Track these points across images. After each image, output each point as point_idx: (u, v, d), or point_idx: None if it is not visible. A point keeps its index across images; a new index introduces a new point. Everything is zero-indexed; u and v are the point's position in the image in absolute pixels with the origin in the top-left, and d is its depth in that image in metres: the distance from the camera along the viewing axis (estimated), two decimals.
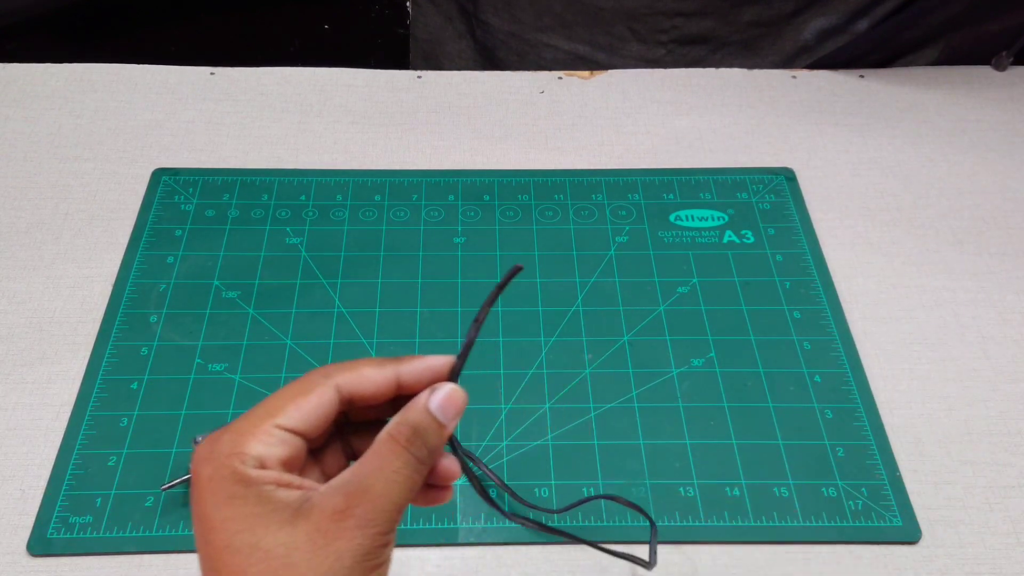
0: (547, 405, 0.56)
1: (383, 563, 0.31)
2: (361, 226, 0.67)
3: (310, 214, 0.67)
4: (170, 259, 0.64)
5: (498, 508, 0.39)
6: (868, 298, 0.63)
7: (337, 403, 0.34)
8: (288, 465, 0.32)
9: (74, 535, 0.50)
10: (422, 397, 0.34)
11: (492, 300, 0.35)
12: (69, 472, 0.52)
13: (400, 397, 0.35)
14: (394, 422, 0.33)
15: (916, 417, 0.57)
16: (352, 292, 0.62)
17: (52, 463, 0.53)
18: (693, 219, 0.68)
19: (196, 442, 0.49)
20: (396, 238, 0.66)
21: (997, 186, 0.71)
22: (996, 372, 0.59)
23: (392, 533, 0.32)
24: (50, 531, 0.50)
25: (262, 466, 0.31)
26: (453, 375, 0.35)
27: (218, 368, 0.58)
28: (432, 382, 0.34)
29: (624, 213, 0.68)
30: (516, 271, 0.35)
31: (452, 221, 0.67)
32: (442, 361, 0.35)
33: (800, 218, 0.68)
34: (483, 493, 0.37)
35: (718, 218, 0.68)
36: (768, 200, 0.69)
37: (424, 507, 0.36)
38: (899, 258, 0.66)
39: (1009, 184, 0.71)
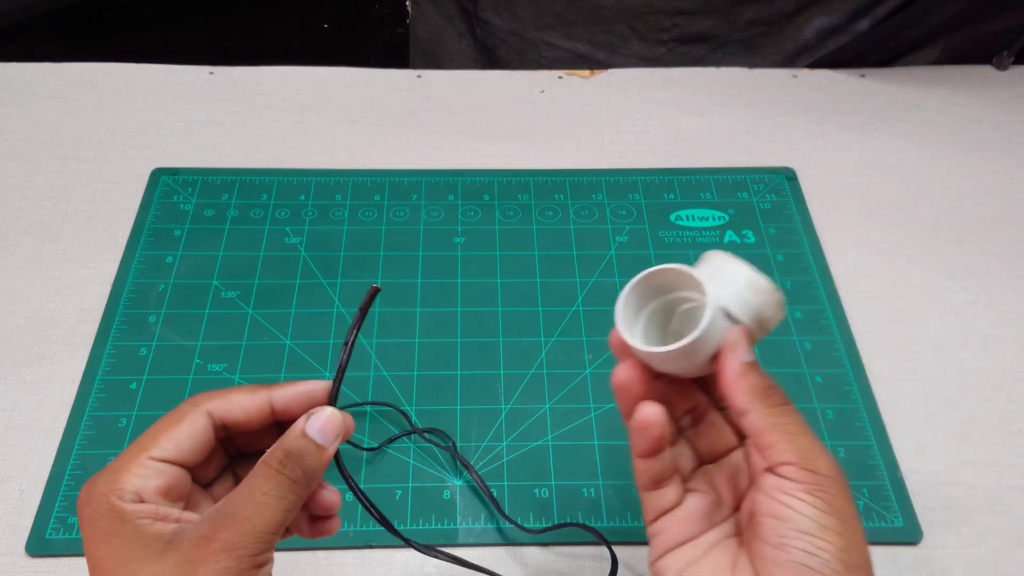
0: (547, 405, 0.56)
1: None
2: (361, 226, 0.66)
3: (309, 214, 0.67)
4: (169, 259, 0.64)
5: (401, 537, 0.39)
6: (869, 298, 0.63)
7: (211, 429, 0.35)
8: (169, 494, 0.33)
9: (73, 535, 0.50)
10: (299, 423, 0.34)
11: (358, 324, 0.36)
12: (68, 472, 0.52)
13: (285, 424, 0.35)
14: (269, 449, 0.34)
15: (917, 417, 0.57)
16: (352, 292, 0.62)
17: (51, 463, 0.53)
18: (694, 219, 0.67)
19: None
20: (396, 238, 0.66)
21: (998, 186, 0.71)
22: (997, 372, 0.59)
23: (265, 555, 0.32)
24: (49, 531, 0.50)
25: (140, 499, 0.32)
26: (331, 399, 0.35)
27: (217, 368, 0.58)
28: (309, 407, 0.35)
29: (624, 213, 0.68)
30: (375, 292, 0.37)
31: (452, 221, 0.67)
32: (317, 386, 0.36)
33: (801, 218, 0.68)
34: (381, 519, 0.37)
35: (719, 218, 0.68)
36: (769, 200, 0.69)
37: (312, 539, 0.37)
38: (900, 258, 0.66)
39: (1010, 184, 0.71)
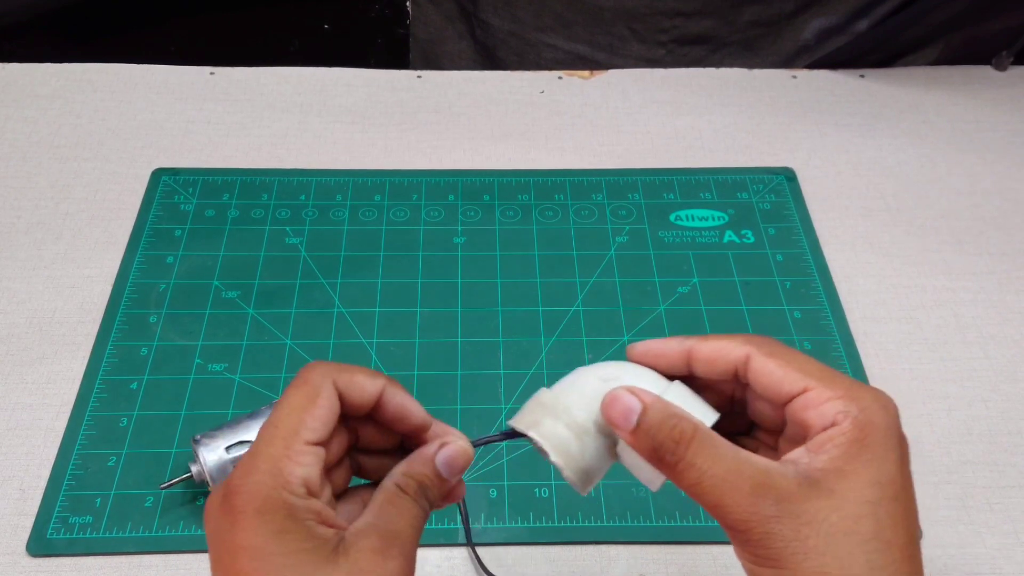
0: None
1: None
2: (361, 226, 0.67)
3: (310, 214, 0.67)
4: (170, 259, 0.64)
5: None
6: (868, 298, 0.63)
7: (339, 407, 0.33)
8: (325, 478, 0.33)
9: (74, 535, 0.50)
10: (431, 449, 0.34)
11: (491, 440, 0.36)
12: (69, 472, 0.52)
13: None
14: (401, 472, 0.34)
15: (916, 417, 0.57)
16: (352, 292, 0.62)
17: (52, 463, 0.53)
18: (693, 219, 0.68)
19: (196, 440, 0.49)
20: (396, 238, 0.66)
21: (997, 186, 0.71)
22: (996, 372, 0.59)
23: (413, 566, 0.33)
24: (50, 531, 0.50)
25: (308, 490, 0.31)
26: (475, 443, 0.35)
27: (218, 368, 0.58)
28: (407, 415, 0.34)
29: (624, 213, 0.68)
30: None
31: (452, 221, 0.67)
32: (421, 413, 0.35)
33: (800, 218, 0.68)
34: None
35: (718, 218, 0.68)
36: (768, 200, 0.69)
37: None
38: (899, 258, 0.66)
39: (1009, 184, 0.71)
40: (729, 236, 0.66)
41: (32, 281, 0.63)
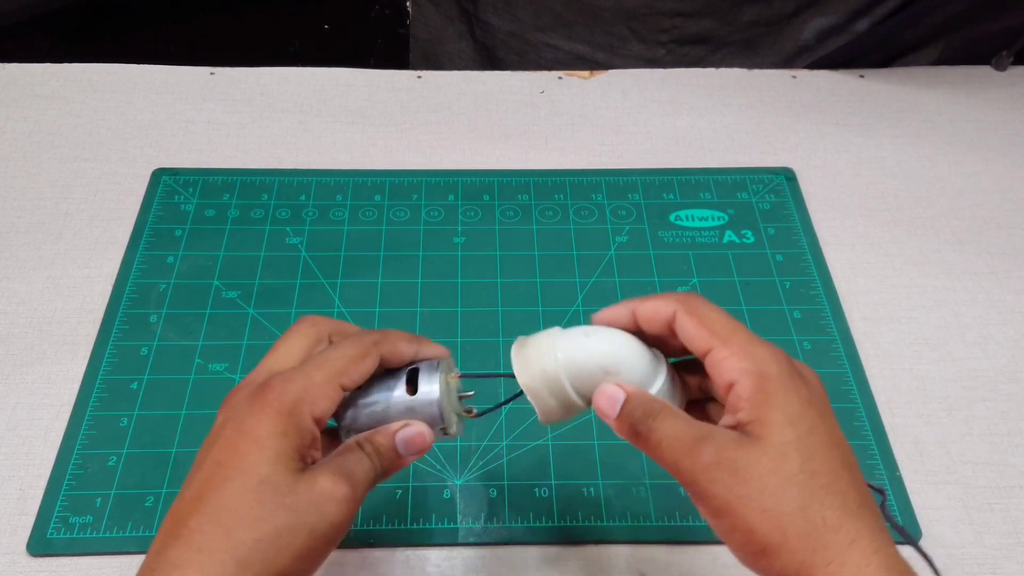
0: None
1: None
2: (361, 226, 0.67)
3: (310, 214, 0.67)
4: (170, 259, 0.64)
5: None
6: (868, 298, 0.63)
7: (374, 369, 0.39)
8: (326, 418, 0.38)
9: (74, 535, 0.50)
10: (394, 426, 0.39)
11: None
12: (69, 472, 0.52)
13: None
14: (364, 436, 0.39)
15: (916, 417, 0.57)
16: (352, 292, 0.62)
17: (52, 463, 0.53)
18: (693, 219, 0.68)
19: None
20: (396, 238, 0.66)
21: (997, 186, 0.71)
22: (996, 372, 0.59)
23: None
24: (50, 531, 0.50)
25: (320, 418, 0.37)
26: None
27: (218, 368, 0.58)
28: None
29: (624, 213, 0.68)
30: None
31: (452, 221, 0.67)
32: (442, 352, 0.43)
33: (800, 218, 0.68)
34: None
35: (718, 218, 0.68)
36: (768, 200, 0.69)
37: None
38: (899, 258, 0.66)
39: (1009, 184, 0.71)
40: (729, 236, 0.67)
41: (32, 281, 0.63)
